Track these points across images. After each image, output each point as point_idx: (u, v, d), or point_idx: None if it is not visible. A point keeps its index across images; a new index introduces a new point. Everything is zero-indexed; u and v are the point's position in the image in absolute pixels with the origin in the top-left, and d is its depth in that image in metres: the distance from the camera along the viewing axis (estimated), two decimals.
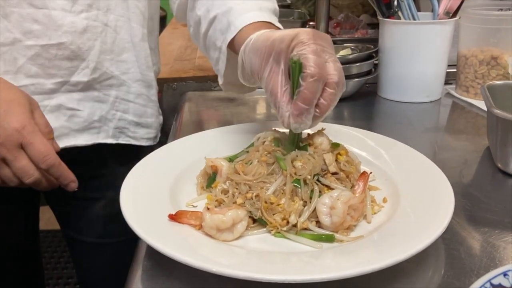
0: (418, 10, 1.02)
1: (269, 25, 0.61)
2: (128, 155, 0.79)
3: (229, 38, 0.62)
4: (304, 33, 0.50)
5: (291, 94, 0.50)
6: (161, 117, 0.90)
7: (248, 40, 0.57)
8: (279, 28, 0.61)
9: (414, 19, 0.92)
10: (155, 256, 0.46)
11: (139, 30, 0.77)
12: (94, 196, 0.86)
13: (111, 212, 0.84)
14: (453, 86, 1.00)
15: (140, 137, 0.83)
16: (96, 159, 0.82)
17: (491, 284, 0.37)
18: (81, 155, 0.76)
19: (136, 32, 0.76)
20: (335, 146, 0.58)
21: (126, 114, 0.80)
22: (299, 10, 1.74)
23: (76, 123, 0.74)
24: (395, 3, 0.93)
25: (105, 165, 0.84)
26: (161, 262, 0.45)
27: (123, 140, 0.81)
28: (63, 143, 0.72)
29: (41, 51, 0.67)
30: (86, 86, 0.73)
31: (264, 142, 0.56)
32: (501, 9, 0.94)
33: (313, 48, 0.48)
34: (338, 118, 0.92)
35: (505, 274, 0.38)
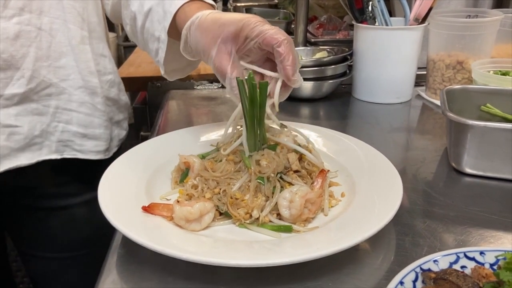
0: (393, 15, 1.07)
1: (202, 3, 0.64)
2: (83, 169, 0.77)
3: (167, 25, 0.63)
4: (252, 17, 0.56)
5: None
6: (116, 130, 0.84)
7: (194, 18, 0.60)
8: (211, 5, 0.65)
9: (386, 24, 0.97)
10: (129, 244, 0.50)
11: (77, 32, 0.72)
12: (49, 205, 0.80)
13: (70, 223, 0.81)
14: (424, 88, 1.05)
15: (87, 150, 0.77)
16: (43, 177, 0.77)
17: (421, 269, 0.42)
18: (25, 176, 0.72)
19: (74, 34, 0.71)
20: None
21: (69, 125, 0.74)
22: (285, 11, 1.79)
23: (17, 141, 0.68)
24: (369, 8, 0.98)
25: (58, 182, 0.80)
26: (134, 250, 0.50)
27: (68, 155, 0.75)
28: (4, 166, 0.68)
29: None
30: (23, 98, 0.67)
31: (230, 141, 0.61)
32: (469, 16, 1.00)
33: (268, 26, 0.56)
34: (313, 118, 0.97)
35: (435, 261, 0.43)
